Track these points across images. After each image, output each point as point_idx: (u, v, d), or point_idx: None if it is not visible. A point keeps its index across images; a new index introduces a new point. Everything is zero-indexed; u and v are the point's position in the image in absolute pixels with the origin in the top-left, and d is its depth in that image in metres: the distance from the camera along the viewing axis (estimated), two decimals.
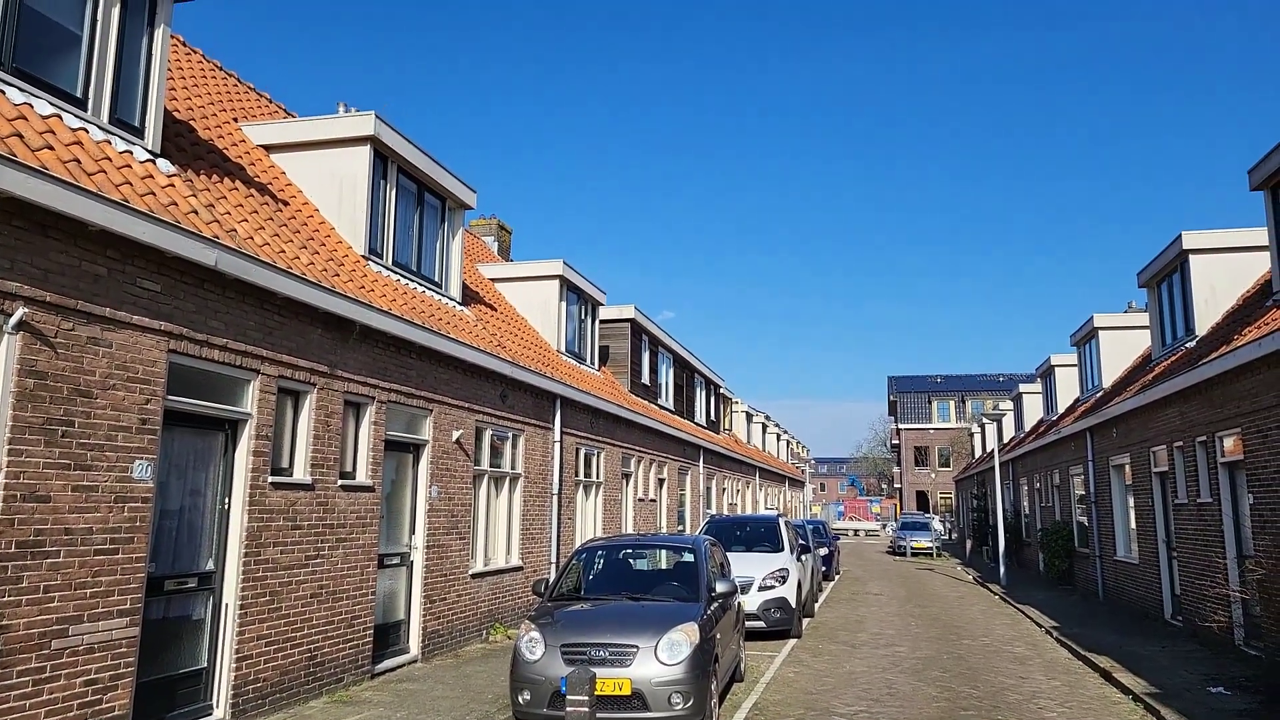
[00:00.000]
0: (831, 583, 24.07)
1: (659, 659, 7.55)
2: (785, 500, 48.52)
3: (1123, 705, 9.44)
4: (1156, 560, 15.34)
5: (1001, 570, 23.50)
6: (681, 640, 7.70)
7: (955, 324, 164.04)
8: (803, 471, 63.39)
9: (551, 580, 9.69)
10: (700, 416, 29.15)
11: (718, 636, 8.51)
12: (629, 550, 10.96)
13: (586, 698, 6.14)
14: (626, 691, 7.44)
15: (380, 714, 8.05)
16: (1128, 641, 12.86)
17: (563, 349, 17.74)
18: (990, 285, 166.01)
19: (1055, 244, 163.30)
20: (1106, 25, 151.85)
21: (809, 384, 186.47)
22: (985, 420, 38.62)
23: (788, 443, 59.30)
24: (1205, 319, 14.70)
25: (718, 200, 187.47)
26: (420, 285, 12.16)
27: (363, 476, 9.56)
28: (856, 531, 61.63)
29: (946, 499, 67.36)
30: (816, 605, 18.00)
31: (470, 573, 11.95)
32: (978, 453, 44.08)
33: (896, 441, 75.03)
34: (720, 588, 9.29)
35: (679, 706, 7.46)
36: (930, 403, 72.12)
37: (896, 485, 74.98)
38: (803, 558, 16.10)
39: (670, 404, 25.20)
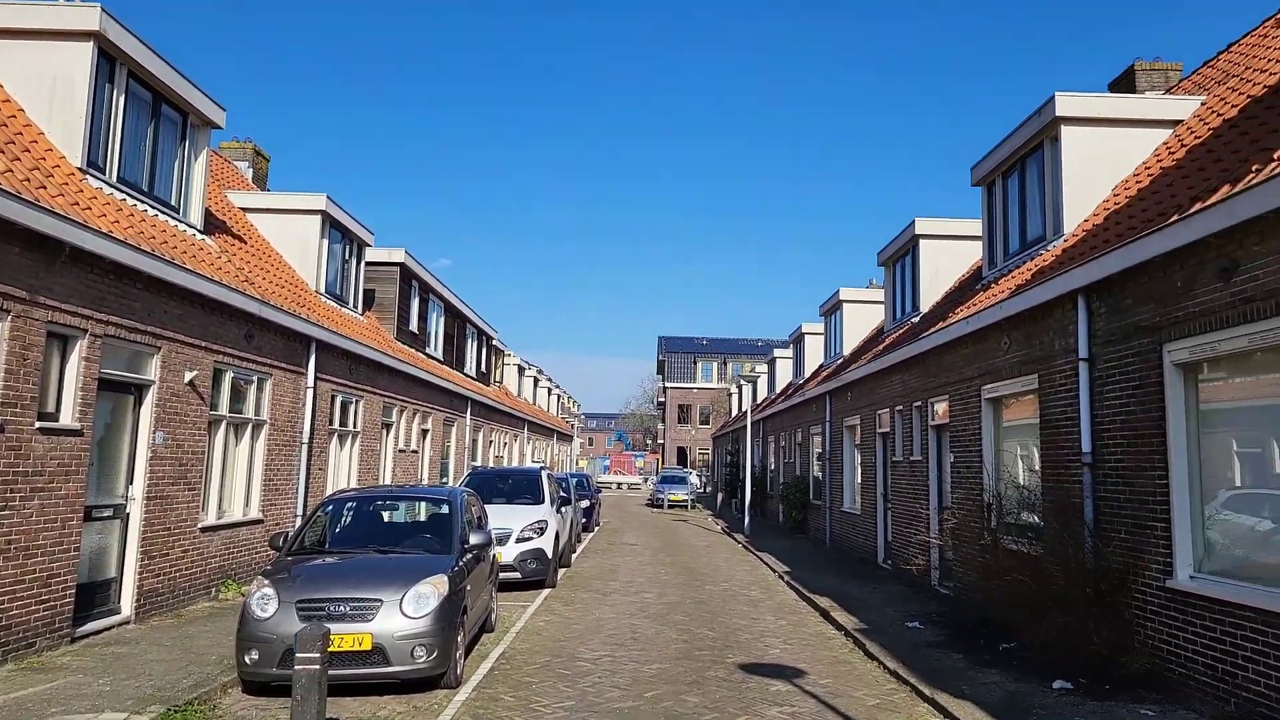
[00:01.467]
0: (591, 534, 24.77)
1: (404, 612, 7.44)
2: (553, 454, 49.18)
3: (836, 640, 10.48)
4: (875, 511, 17.13)
5: (747, 521, 25.27)
6: (429, 593, 7.62)
7: (724, 291, 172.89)
8: (572, 426, 64.49)
9: (292, 534, 9.16)
10: (470, 367, 28.71)
11: (468, 588, 8.48)
12: (380, 502, 10.64)
13: (318, 654, 5.85)
14: (366, 646, 7.27)
15: (77, 681, 7.25)
16: (846, 584, 14.29)
17: (322, 290, 16.69)
18: (759, 256, 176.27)
19: (816, 220, 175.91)
20: (865, 12, 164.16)
21: (585, 340, 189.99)
22: (742, 381, 41.21)
23: (559, 397, 60.01)
24: (929, 297, 16.41)
25: (504, 153, 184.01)
26: (152, 208, 10.89)
27: (68, 419, 8.46)
28: (620, 485, 63.82)
29: (705, 455, 71.34)
30: (574, 556, 18.46)
31: (200, 526, 11.03)
32: (734, 412, 46.91)
33: (663, 399, 78.21)
34: (475, 540, 9.25)
35: (421, 660, 7.39)
36: (696, 363, 75.72)
37: (660, 441, 78.32)
38: (563, 510, 16.40)
39: (439, 353, 24.58)
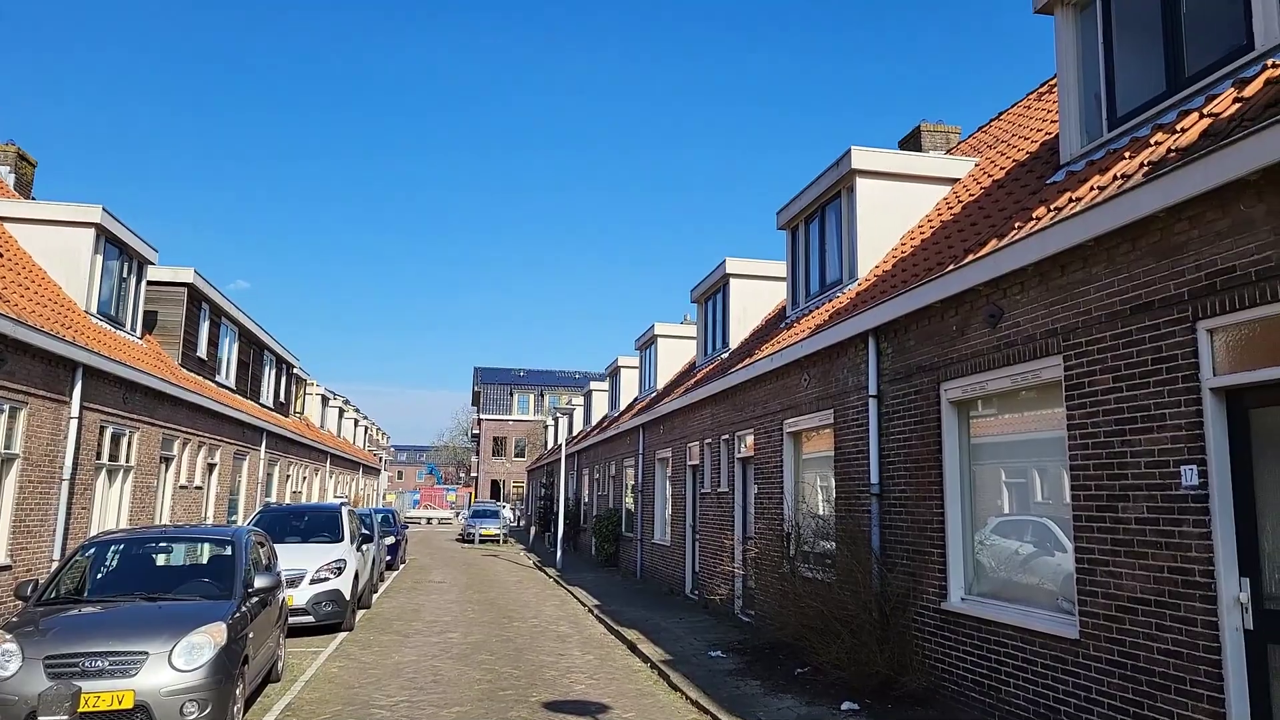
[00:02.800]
0: (396, 572, 23.70)
1: (174, 665, 6.74)
2: (357, 488, 46.88)
3: (642, 673, 10.51)
4: (684, 543, 17.47)
5: (559, 554, 25.08)
6: (204, 643, 6.95)
7: (542, 323, 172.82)
8: (380, 459, 61.86)
9: (44, 581, 8.11)
10: (267, 397, 26.88)
11: (250, 636, 7.82)
12: (152, 544, 9.63)
13: (66, 717, 5.15)
14: (128, 705, 6.51)
15: None
16: (654, 615, 14.43)
17: (94, 310, 15.09)
18: (578, 289, 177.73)
19: (637, 254, 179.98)
20: (679, 47, 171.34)
21: (397, 371, 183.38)
22: (559, 414, 41.14)
23: (367, 429, 57.50)
24: (738, 334, 17.09)
25: (312, 168, 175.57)
26: None
27: None
28: (430, 519, 61.72)
29: (519, 488, 70.48)
30: (375, 596, 17.57)
31: None
32: (550, 444, 46.71)
33: (477, 431, 76.70)
34: (261, 583, 8.56)
35: (193, 716, 6.70)
36: (512, 395, 74.91)
37: (474, 474, 76.64)
38: (364, 548, 15.59)
39: (231, 382, 22.84)
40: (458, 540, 40.50)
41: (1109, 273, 6.00)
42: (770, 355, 12.16)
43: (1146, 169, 5.74)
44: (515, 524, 55.60)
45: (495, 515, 40.59)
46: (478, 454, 75.89)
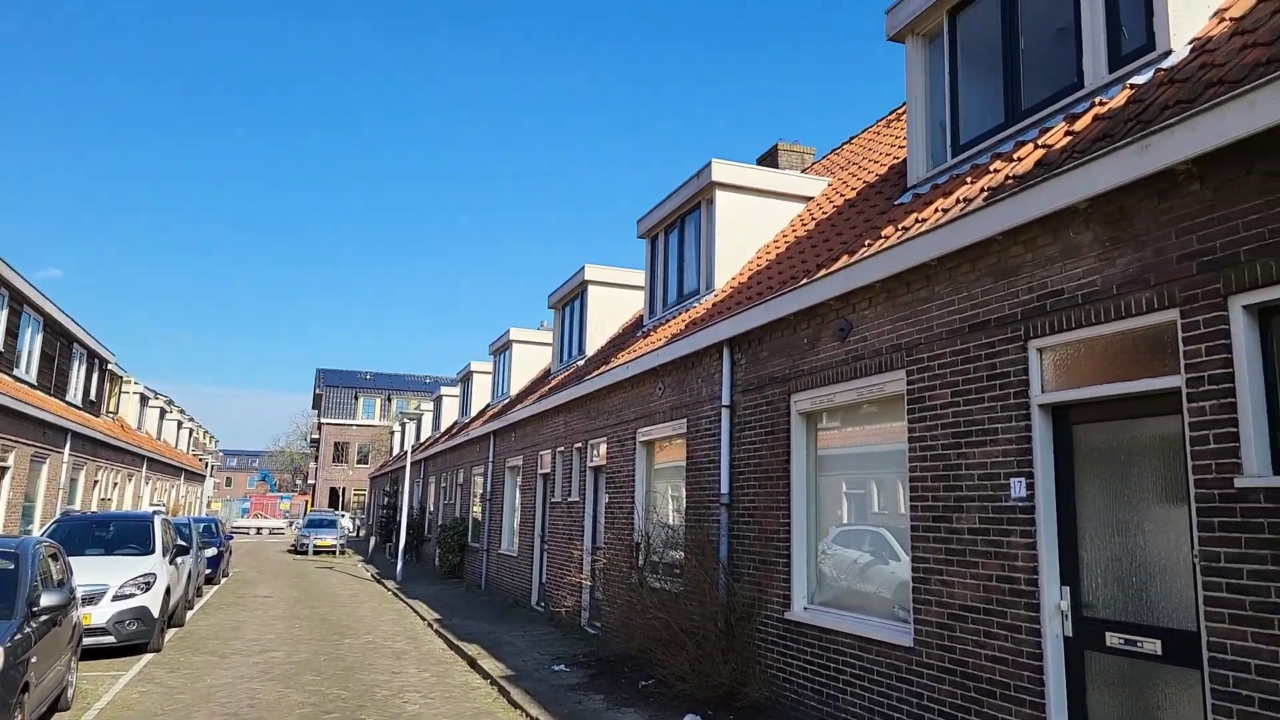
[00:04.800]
0: (216, 586, 22.01)
1: None
2: (178, 496, 43.58)
3: (481, 690, 10.12)
4: (532, 553, 17.13)
5: (399, 566, 24.11)
6: None
7: (392, 325, 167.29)
8: (206, 464, 57.87)
9: None
10: (75, 394, 24.49)
11: (34, 660, 6.92)
12: None
13: None
14: None
15: None
16: (498, 629, 14.01)
17: None
18: (431, 293, 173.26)
19: (495, 261, 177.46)
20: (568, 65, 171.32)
21: (231, 371, 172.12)
22: (406, 419, 39.77)
23: (192, 432, 53.65)
24: (594, 342, 16.98)
25: (136, 160, 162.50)
26: None
27: None
28: (261, 529, 58.10)
29: (360, 496, 67.66)
30: (191, 613, 16.21)
31: None
32: (395, 450, 45.09)
33: (317, 436, 73.15)
34: (49, 600, 7.61)
35: None
36: (357, 399, 71.94)
37: (312, 482, 72.99)
38: (178, 560, 14.33)
39: (32, 377, 20.64)
40: (290, 551, 38.27)
41: (950, 291, 6.24)
42: (626, 363, 12.09)
43: (986, 194, 6.01)
44: (354, 534, 53.24)
45: (332, 525, 38.64)
46: (317, 460, 72.35)
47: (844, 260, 7.64)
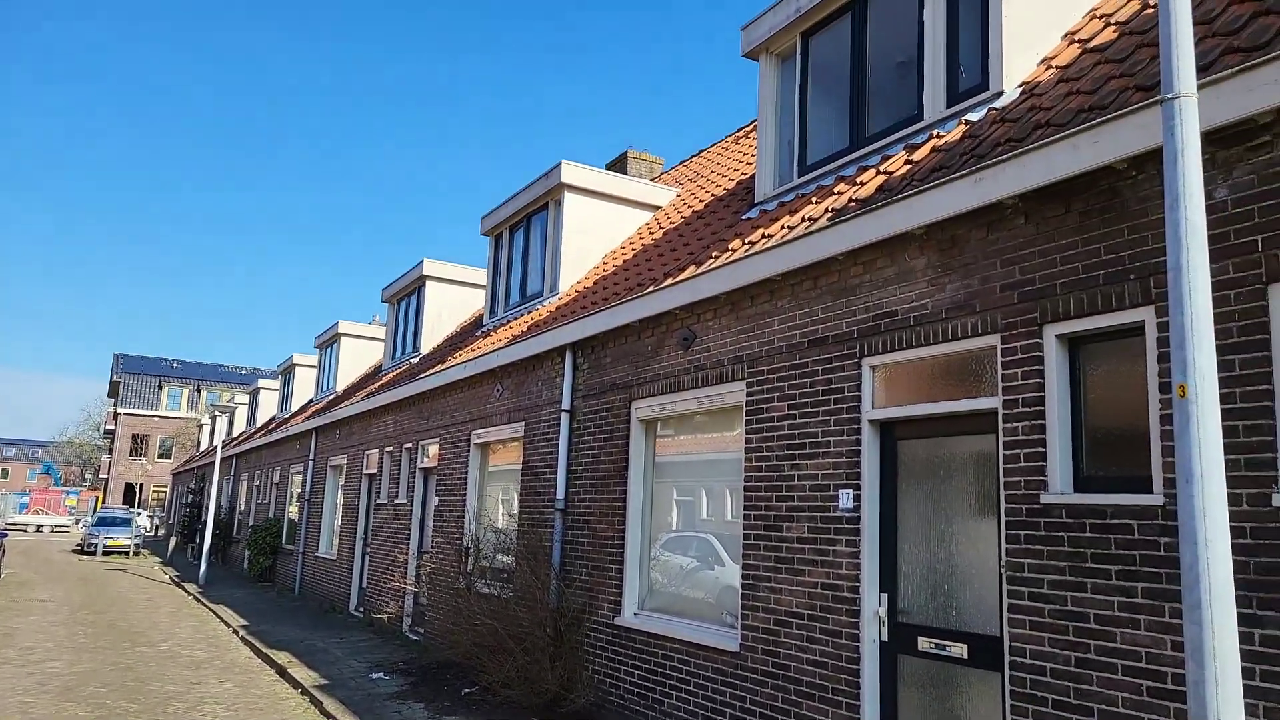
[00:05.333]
0: None
1: None
2: None
3: (291, 700, 9.48)
4: (352, 556, 16.32)
5: (203, 568, 22.37)
6: None
7: (207, 311, 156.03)
8: None
9: None
10: None
11: None
12: None
13: None
14: None
15: None
16: (312, 635, 13.22)
17: None
18: (255, 280, 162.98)
19: (327, 251, 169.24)
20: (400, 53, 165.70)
21: (12, 352, 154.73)
22: (218, 412, 37.03)
23: None
24: (431, 339, 16.42)
25: None
26: None
27: None
28: (42, 527, 52.45)
29: (160, 493, 62.51)
30: None
31: None
32: (204, 445, 41.97)
33: (113, 427, 66.97)
34: None
35: None
36: (161, 388, 66.44)
37: (104, 476, 66.71)
38: None
39: None
40: (77, 552, 34.74)
41: (792, 307, 6.43)
42: (464, 363, 11.75)
43: (830, 215, 6.24)
44: (152, 534, 49.05)
45: (127, 523, 35.35)
46: (111, 453, 66.20)
47: (691, 271, 7.73)
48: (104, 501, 61.28)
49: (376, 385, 16.95)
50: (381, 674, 10.31)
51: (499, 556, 10.23)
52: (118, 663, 11.34)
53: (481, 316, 14.52)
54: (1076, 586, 4.28)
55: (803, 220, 6.63)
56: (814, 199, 6.96)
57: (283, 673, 10.67)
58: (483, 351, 11.41)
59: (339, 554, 17.26)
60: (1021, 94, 5.54)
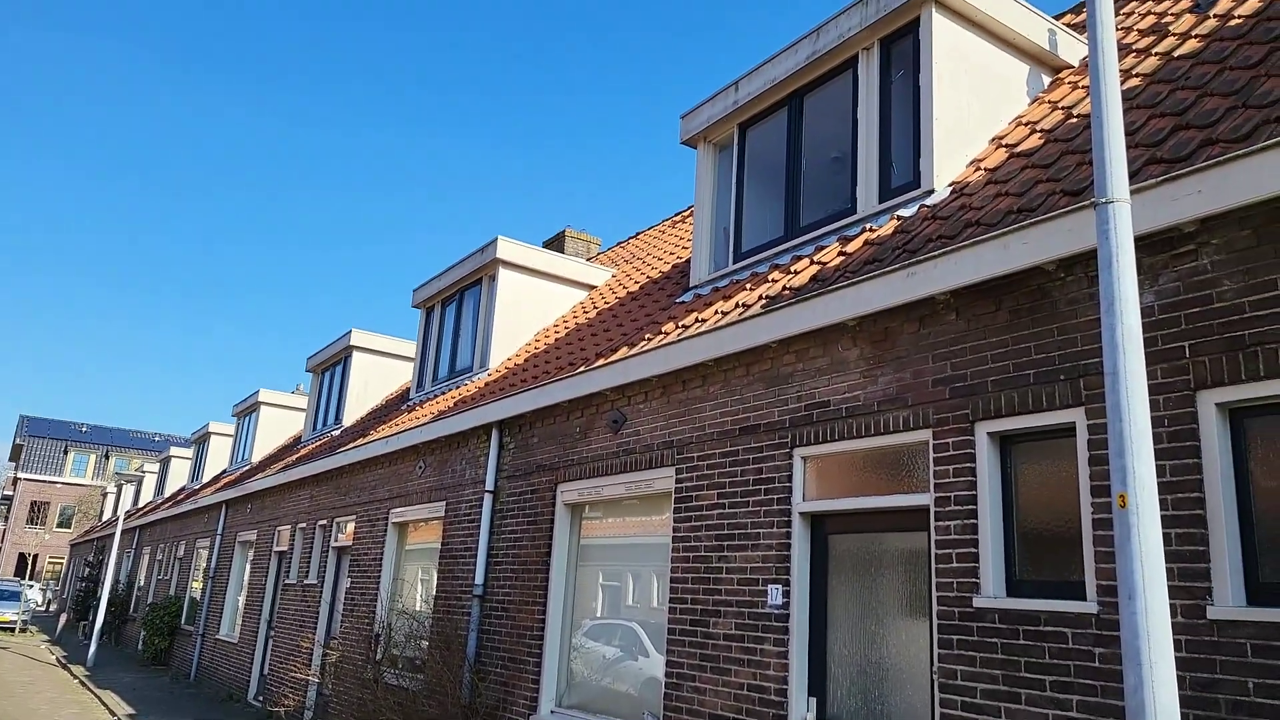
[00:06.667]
0: None
1: None
2: None
3: None
4: (255, 639, 15.33)
5: (93, 649, 20.80)
6: None
7: (122, 372, 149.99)
8: None
9: None
10: None
11: None
12: None
13: None
14: None
15: None
16: None
17: None
18: (176, 343, 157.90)
19: (251, 315, 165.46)
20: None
21: None
22: (124, 480, 35.16)
23: None
24: (354, 411, 15.87)
25: None
26: None
27: None
28: None
29: (56, 564, 58.64)
30: None
31: None
32: (108, 515, 39.67)
33: (10, 492, 62.99)
34: None
35: None
36: (67, 453, 62.98)
37: None
38: None
39: None
40: None
41: (724, 393, 6.31)
42: (386, 438, 11.30)
43: (764, 302, 6.19)
44: (43, 609, 45.78)
45: (14, 596, 32.87)
46: (7, 519, 62.09)
47: (623, 352, 7.59)
48: None
49: (294, 457, 16.24)
50: None
51: (412, 642, 9.66)
52: None
53: (408, 390, 14.11)
54: (1010, 697, 4.12)
55: (736, 306, 6.58)
56: (748, 285, 6.93)
57: None
58: (406, 426, 11.00)
59: (241, 637, 16.20)
60: (952, 193, 5.62)
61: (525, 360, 10.36)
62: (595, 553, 7.79)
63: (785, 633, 5.39)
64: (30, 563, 59.69)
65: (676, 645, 6.19)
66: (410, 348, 16.13)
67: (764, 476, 5.81)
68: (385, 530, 11.27)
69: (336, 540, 12.87)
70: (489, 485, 8.94)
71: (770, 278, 6.68)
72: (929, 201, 5.74)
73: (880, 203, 6.23)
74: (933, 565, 4.63)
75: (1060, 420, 4.20)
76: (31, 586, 41.41)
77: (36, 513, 61.23)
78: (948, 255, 4.56)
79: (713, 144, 8.24)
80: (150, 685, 17.24)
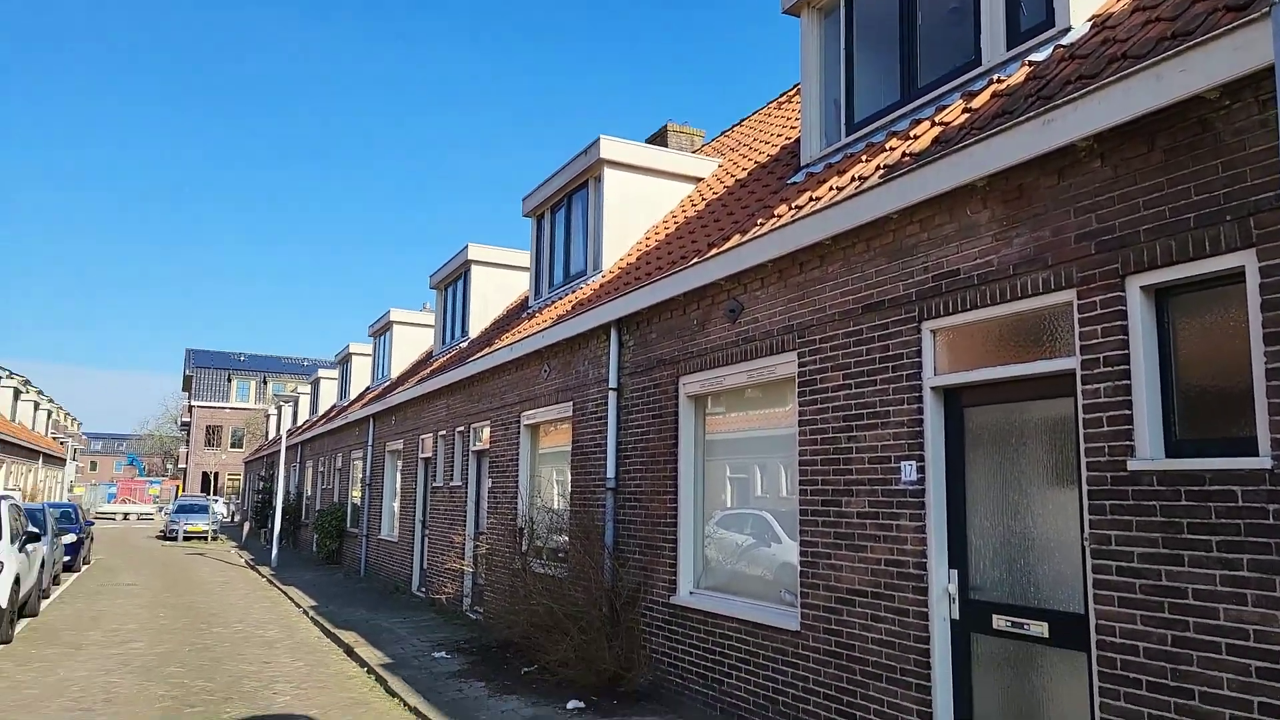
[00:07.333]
0: (76, 574, 20.50)
1: None
2: (36, 480, 40.41)
3: (358, 679, 9.55)
4: (412, 538, 16.47)
5: (274, 552, 22.92)
6: None
7: (269, 306, 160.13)
8: (68, 447, 53.92)
9: None
10: None
11: None
12: None
13: None
14: None
15: None
16: (376, 615, 13.36)
17: None
18: (309, 273, 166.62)
19: (377, 240, 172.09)
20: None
21: (96, 351, 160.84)
22: (282, 402, 37.92)
23: (50, 413, 49.81)
24: (478, 323, 16.37)
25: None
26: None
27: None
28: (128, 515, 54.69)
29: (235, 481, 64.46)
30: (46, 603, 15.05)
31: None
32: (271, 434, 43.03)
33: (188, 419, 69.20)
34: None
35: None
36: (230, 381, 68.33)
37: (183, 466, 69.07)
38: (29, 548, 13.13)
39: None
40: (159, 538, 36.06)
41: (844, 271, 6.09)
42: (510, 345, 11.62)
43: (882, 172, 5.87)
44: (228, 520, 50.63)
45: (204, 510, 36.60)
46: (188, 444, 68.45)
47: (735, 240, 7.41)
48: (183, 490, 63.56)
49: (428, 371, 16.99)
50: (443, 653, 10.33)
51: (553, 536, 10.13)
52: (195, 643, 11.60)
53: (527, 299, 14.38)
54: (1172, 559, 3.92)
55: (852, 180, 6.26)
56: (864, 158, 6.58)
57: (350, 652, 10.78)
58: (528, 333, 11.26)
59: (400, 536, 17.44)
60: (1092, 28, 5.07)
61: (637, 258, 10.32)
62: (721, 447, 7.84)
63: (921, 507, 5.30)
64: (213, 480, 65.90)
65: (809, 525, 6.21)
66: (525, 257, 16.36)
67: (891, 354, 5.63)
68: (518, 432, 11.71)
69: (475, 445, 13.49)
70: (612, 383, 9.08)
71: (887, 146, 6.31)
72: (1065, 41, 5.21)
73: (1009, 49, 5.71)
74: (1080, 431, 4.39)
75: (1226, 266, 3.82)
76: (217, 501, 45.77)
77: (212, 436, 67.20)
78: (1090, 95, 4.13)
79: (817, 9, 7.72)
80: (326, 581, 18.92)
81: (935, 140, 5.56)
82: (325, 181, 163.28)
